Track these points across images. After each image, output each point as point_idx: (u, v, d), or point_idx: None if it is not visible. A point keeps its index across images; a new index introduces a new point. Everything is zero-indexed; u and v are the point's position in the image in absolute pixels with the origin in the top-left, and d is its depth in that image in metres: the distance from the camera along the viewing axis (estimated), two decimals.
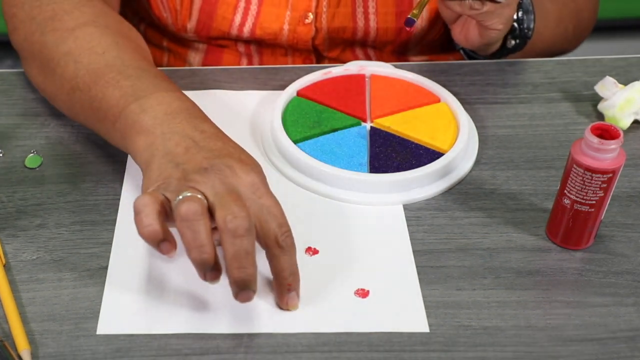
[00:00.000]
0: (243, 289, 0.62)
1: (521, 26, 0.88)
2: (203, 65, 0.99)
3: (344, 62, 0.96)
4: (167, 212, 0.62)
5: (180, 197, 0.61)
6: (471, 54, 0.95)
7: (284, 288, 0.64)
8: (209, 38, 0.96)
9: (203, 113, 0.71)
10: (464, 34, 0.86)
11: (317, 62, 0.98)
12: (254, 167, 0.65)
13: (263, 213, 0.62)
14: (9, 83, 0.88)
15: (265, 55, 0.97)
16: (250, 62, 0.98)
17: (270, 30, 0.93)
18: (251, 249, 0.61)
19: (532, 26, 0.89)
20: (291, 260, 0.64)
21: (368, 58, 0.99)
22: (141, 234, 0.61)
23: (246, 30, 0.93)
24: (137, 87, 0.71)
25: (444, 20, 0.88)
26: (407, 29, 0.80)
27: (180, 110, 0.69)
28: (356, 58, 0.98)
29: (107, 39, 0.76)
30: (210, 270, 0.61)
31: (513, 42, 0.90)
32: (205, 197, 0.61)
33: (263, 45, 0.96)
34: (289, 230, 0.63)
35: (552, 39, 0.99)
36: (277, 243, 0.62)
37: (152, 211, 0.60)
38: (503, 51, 0.91)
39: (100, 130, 0.75)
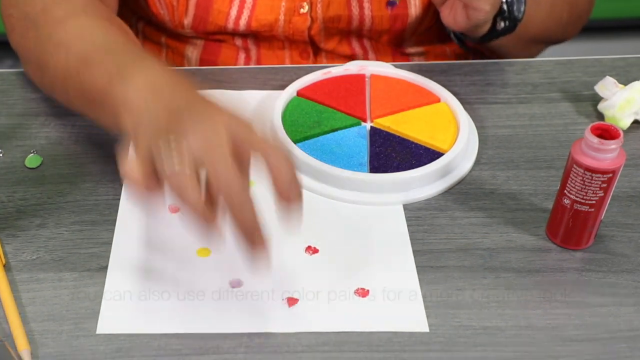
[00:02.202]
0: (252, 233, 0.60)
1: (511, 8, 0.88)
2: (201, 59, 0.99)
3: (340, 54, 0.96)
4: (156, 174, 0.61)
5: (167, 166, 0.59)
6: (461, 37, 0.95)
7: (284, 200, 0.61)
8: (206, 33, 0.96)
9: (189, 84, 0.69)
10: (452, 16, 0.85)
11: (315, 54, 0.98)
12: (230, 117, 0.63)
13: (240, 132, 0.61)
14: (9, 83, 0.88)
15: (263, 48, 0.98)
16: (247, 56, 0.98)
17: (266, 22, 0.93)
18: (252, 205, 0.59)
19: (522, 9, 0.88)
20: (287, 164, 0.61)
21: (364, 50, 0.99)
22: (126, 177, 0.60)
23: (242, 23, 0.93)
24: (123, 65, 0.71)
25: (433, 2, 0.88)
26: (389, 10, 0.79)
27: (164, 84, 0.68)
28: (352, 50, 0.98)
29: (96, 26, 0.77)
30: (215, 227, 0.59)
31: (502, 24, 0.89)
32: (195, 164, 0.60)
33: (260, 39, 0.97)
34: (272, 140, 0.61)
35: (546, 24, 0.98)
36: (264, 142, 0.61)
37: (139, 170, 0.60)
38: (493, 34, 0.90)
39: (94, 114, 0.74)
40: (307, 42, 0.97)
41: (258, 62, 0.99)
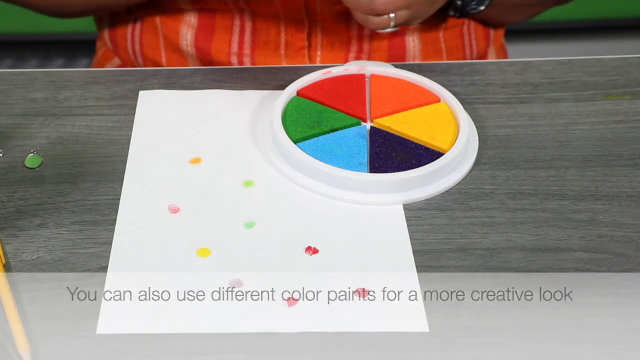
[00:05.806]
0: None
1: None
2: (196, 34, 0.99)
3: (336, 30, 0.96)
4: None
5: None
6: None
7: None
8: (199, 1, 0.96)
9: None
10: None
11: (309, 28, 0.97)
12: None
13: None
14: (9, 83, 0.88)
15: (258, 21, 0.98)
16: (242, 27, 0.98)
17: None
18: None
19: None
20: None
21: (360, 47, 0.98)
22: None
23: None
24: None
25: None
26: None
27: None
28: (348, 32, 0.98)
29: None
30: None
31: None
32: None
33: (255, 13, 0.97)
34: None
35: None
36: None
37: None
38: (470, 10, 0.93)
39: None
40: (301, 10, 0.96)
41: (253, 38, 0.98)
